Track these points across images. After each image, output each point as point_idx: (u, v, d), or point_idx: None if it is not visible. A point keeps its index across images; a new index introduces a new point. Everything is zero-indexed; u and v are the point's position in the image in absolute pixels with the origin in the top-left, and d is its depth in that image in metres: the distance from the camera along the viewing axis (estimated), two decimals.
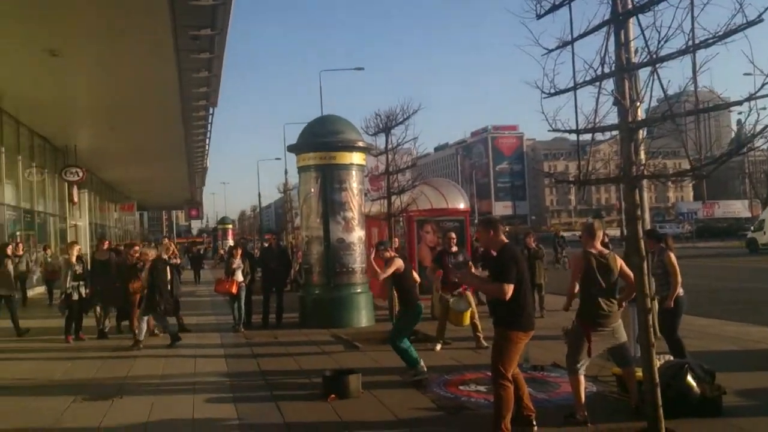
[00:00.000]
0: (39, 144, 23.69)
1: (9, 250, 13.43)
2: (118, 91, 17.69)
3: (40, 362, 9.79)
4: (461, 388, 7.33)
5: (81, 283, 11.55)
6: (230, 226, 55.52)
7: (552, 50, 4.93)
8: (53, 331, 12.11)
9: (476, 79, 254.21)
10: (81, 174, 23.68)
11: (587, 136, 5.26)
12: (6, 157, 19.72)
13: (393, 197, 10.70)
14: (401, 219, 13.33)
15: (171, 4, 11.43)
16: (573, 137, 5.25)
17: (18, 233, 20.84)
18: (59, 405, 7.00)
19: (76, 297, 11.47)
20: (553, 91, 4.98)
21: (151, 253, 11.46)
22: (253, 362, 9.34)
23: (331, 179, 12.47)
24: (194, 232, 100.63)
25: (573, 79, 4.93)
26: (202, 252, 38.82)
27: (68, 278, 11.54)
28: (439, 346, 9.72)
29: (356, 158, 12.74)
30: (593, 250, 5.90)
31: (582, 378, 5.79)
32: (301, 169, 13.08)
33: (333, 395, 6.91)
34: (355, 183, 12.64)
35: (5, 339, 11.86)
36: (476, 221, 24.92)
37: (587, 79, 4.87)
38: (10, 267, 12.48)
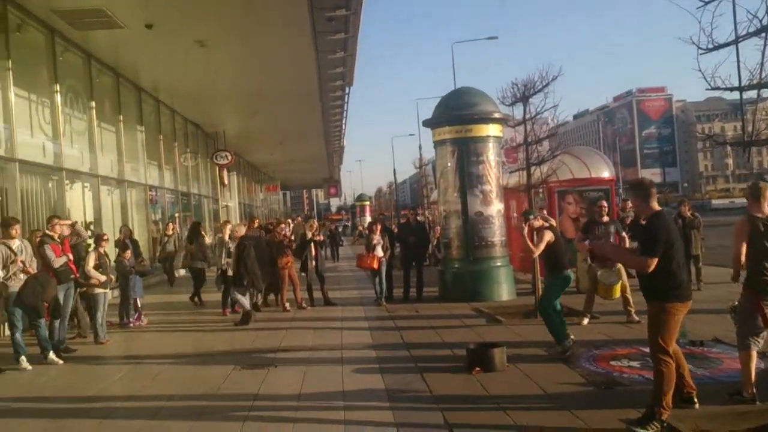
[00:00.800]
0: (192, 131, 25.41)
1: (170, 229, 14.59)
2: (260, 77, 18.56)
3: (202, 333, 10.57)
4: (612, 363, 7.07)
5: None
6: (367, 202, 56.53)
7: (709, 1, 4.54)
8: (210, 304, 13.04)
9: (617, 40, 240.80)
10: (230, 157, 25.14)
11: (751, 94, 4.82)
12: (164, 144, 21.35)
13: (532, 168, 10.40)
14: (541, 190, 12.96)
15: None
16: (731, 96, 4.83)
17: (176, 214, 22.57)
18: (221, 372, 7.52)
19: (230, 273, 12.23)
20: (711, 46, 4.60)
21: (242, 230, 11.94)
22: (396, 335, 9.53)
23: (467, 152, 12.36)
24: (333, 209, 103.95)
25: (734, 32, 4.52)
26: (340, 229, 39.78)
27: (223, 255, 12.33)
28: (586, 320, 9.43)
29: (493, 130, 12.53)
30: (759, 215, 5.44)
31: (754, 354, 5.41)
32: (437, 144, 13.06)
33: (478, 368, 6.91)
34: (492, 155, 12.45)
35: (167, 312, 12.90)
36: (621, 190, 23.59)
37: (751, 30, 4.45)
38: (207, 240, 13.53)
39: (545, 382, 6.47)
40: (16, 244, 8.30)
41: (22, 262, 8.20)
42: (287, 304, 12.33)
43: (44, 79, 13.32)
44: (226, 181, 27.43)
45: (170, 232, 17.04)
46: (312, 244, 12.94)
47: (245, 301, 11.14)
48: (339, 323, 10.81)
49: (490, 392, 6.24)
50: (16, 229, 8.41)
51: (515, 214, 14.39)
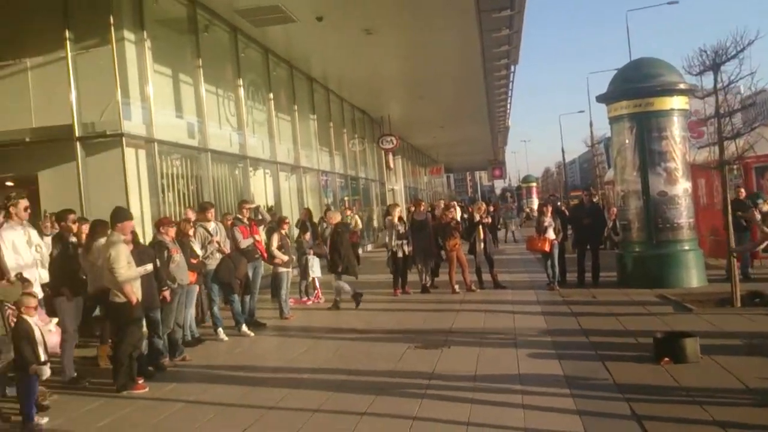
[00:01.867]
0: (359, 117, 26.24)
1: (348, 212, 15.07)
2: (425, 61, 18.69)
3: (375, 313, 10.87)
4: None
5: (404, 241, 12.52)
6: (534, 183, 55.01)
7: None
8: (381, 285, 13.38)
9: None
10: (395, 141, 25.63)
11: None
12: (334, 131, 22.25)
13: (725, 143, 9.46)
14: (736, 167, 11.81)
15: None
16: None
17: (346, 198, 23.47)
18: (397, 351, 7.71)
19: (400, 254, 12.49)
20: None
21: (336, 217, 11.93)
22: (572, 320, 9.20)
23: (648, 128, 11.55)
24: (497, 191, 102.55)
25: None
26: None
27: (392, 237, 12.60)
28: None
29: (677, 102, 11.59)
30: None
31: None
32: (613, 120, 12.33)
33: (667, 358, 6.47)
34: (677, 130, 11.52)
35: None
36: None
37: None
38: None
39: (747, 376, 5.89)
40: (212, 226, 9.12)
41: (218, 242, 8.99)
42: (456, 287, 12.36)
43: (229, 74, 14.41)
44: (391, 165, 28.04)
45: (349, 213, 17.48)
46: (480, 227, 12.85)
47: (346, 286, 11.19)
48: (510, 306, 10.63)
49: (682, 384, 5.82)
50: (211, 213, 9.24)
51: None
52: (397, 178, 32.64)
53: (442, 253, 12.74)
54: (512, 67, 21.62)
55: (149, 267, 6.88)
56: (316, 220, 13.91)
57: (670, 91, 11.50)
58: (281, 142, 16.99)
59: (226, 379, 6.97)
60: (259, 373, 7.15)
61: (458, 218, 12.81)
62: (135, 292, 6.58)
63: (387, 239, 13.02)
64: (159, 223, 7.97)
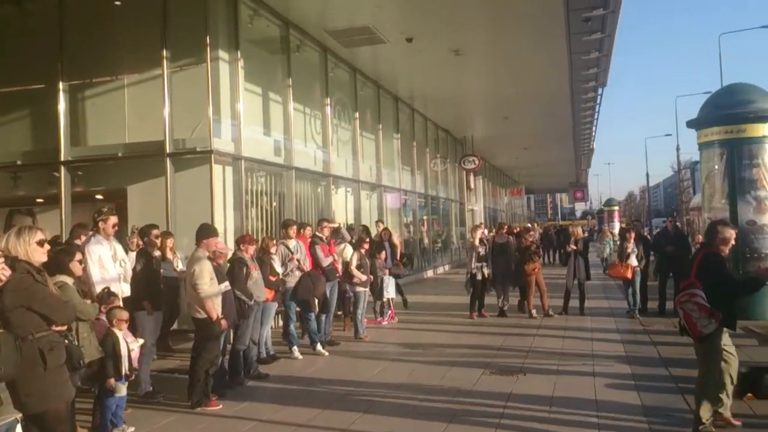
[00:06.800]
0: (442, 137, 26.36)
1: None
2: (511, 82, 18.67)
3: (450, 335, 10.85)
4: None
5: (484, 264, 12.46)
6: (616, 207, 53.31)
7: None
8: (457, 307, 13.30)
9: None
10: (477, 162, 25.57)
11: None
12: (417, 150, 22.45)
13: None
14: None
15: None
16: None
17: (424, 217, 23.58)
18: (472, 375, 7.70)
19: (480, 277, 12.45)
20: None
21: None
22: (652, 349, 9.04)
23: (739, 155, 11.15)
24: (577, 214, 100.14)
25: None
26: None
27: (473, 259, 12.57)
28: None
29: None
30: None
31: None
32: (703, 146, 11.95)
33: (750, 394, 6.23)
34: None
35: (420, 312, 13.45)
36: None
37: None
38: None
39: None
40: (292, 243, 9.33)
41: (298, 260, 9.19)
42: (534, 311, 12.23)
43: (317, 93, 14.85)
44: (472, 185, 27.94)
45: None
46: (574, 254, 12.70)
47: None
48: (589, 333, 10.47)
49: (763, 420, 5.62)
50: (293, 230, 9.45)
51: None
52: (477, 198, 32.49)
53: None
54: (600, 90, 21.25)
55: (228, 284, 7.03)
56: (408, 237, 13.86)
57: (763, 117, 11.08)
58: (364, 161, 17.31)
59: (299, 398, 7.00)
60: (332, 394, 7.18)
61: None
62: (216, 309, 6.71)
63: (467, 261, 13.03)
64: (240, 240, 8.09)
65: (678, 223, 18.53)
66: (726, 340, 5.47)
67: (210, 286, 6.68)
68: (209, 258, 6.91)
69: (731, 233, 5.43)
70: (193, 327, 7.03)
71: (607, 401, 6.47)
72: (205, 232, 7.04)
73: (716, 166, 11.53)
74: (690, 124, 12.42)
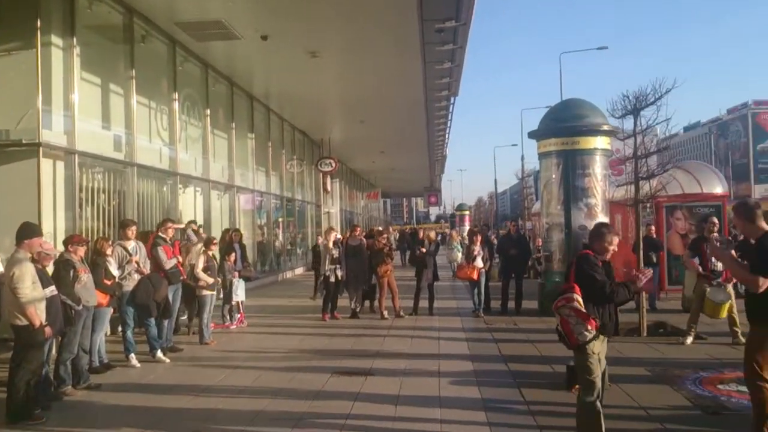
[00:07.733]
0: (299, 138, 26.13)
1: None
2: (368, 87, 18.81)
3: (300, 338, 10.68)
4: (720, 387, 6.82)
5: (337, 266, 12.48)
6: (467, 212, 56.36)
7: None
8: (309, 309, 13.23)
9: (730, 53, 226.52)
10: (334, 164, 25.55)
11: None
12: (272, 151, 22.07)
13: (641, 182, 9.96)
14: (649, 205, 12.44)
15: (419, 2, 11.81)
16: None
17: (280, 219, 23.25)
18: (320, 378, 7.60)
19: (333, 279, 12.44)
20: None
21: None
22: (494, 347, 9.47)
23: (573, 165, 12.03)
24: (432, 218, 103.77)
25: None
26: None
27: (326, 262, 12.55)
28: (689, 339, 9.23)
29: (601, 142, 12.15)
30: None
31: None
32: (542, 156, 12.76)
33: (577, 386, 6.62)
34: (599, 168, 12.07)
35: (272, 315, 13.24)
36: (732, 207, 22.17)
37: None
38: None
39: (648, 403, 6.31)
40: (131, 245, 8.78)
41: (137, 262, 8.66)
42: (385, 312, 12.40)
43: (164, 87, 14.10)
44: (329, 188, 27.92)
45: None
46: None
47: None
48: (436, 333, 10.77)
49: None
50: (132, 231, 8.89)
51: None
52: (334, 201, 32.60)
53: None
54: (452, 99, 22.03)
55: (54, 289, 6.53)
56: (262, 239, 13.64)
57: (594, 131, 12.05)
58: (215, 160, 16.72)
59: (133, 410, 6.58)
60: (170, 403, 6.78)
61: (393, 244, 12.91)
62: (39, 315, 6.18)
63: (321, 263, 12.98)
64: (68, 241, 7.49)
65: (520, 227, 19.67)
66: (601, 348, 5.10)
67: (32, 290, 6.14)
68: (33, 260, 6.34)
69: (614, 239, 5.15)
70: (13, 335, 6.41)
71: (450, 397, 6.71)
72: (27, 231, 6.44)
73: (553, 175, 12.34)
74: (531, 135, 13.24)
